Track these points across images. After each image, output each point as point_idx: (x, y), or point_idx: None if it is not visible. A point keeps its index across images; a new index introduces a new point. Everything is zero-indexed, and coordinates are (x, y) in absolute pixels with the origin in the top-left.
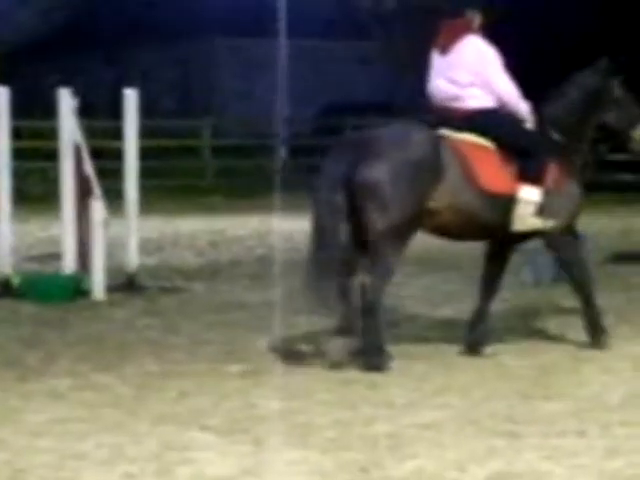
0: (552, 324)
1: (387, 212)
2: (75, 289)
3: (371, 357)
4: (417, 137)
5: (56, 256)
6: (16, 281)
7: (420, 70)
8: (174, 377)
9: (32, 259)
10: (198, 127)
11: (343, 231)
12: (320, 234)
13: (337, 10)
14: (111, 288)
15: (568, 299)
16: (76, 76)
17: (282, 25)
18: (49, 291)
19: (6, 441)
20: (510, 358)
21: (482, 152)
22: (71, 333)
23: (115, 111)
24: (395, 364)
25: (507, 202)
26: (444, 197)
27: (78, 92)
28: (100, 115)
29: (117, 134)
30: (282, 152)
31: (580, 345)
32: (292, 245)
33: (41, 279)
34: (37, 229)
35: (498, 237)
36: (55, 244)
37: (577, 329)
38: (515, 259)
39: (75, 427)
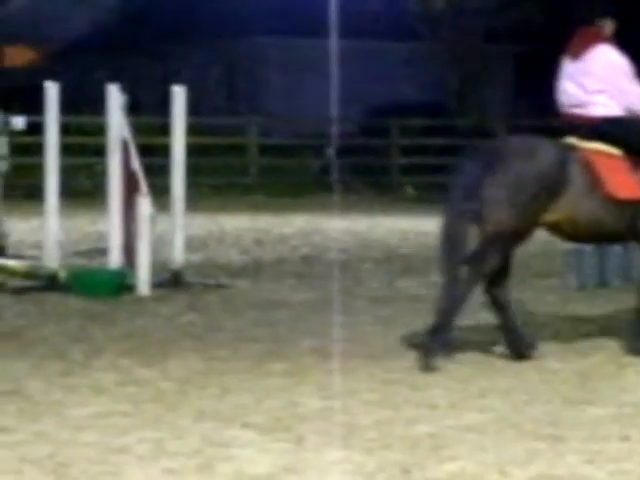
0: (596, 329)
1: (500, 225)
2: (120, 284)
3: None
4: (544, 151)
5: (102, 251)
6: (63, 275)
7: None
8: (216, 374)
9: (79, 254)
10: (244, 125)
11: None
12: (448, 242)
13: (385, 10)
14: (156, 284)
15: (612, 304)
16: (124, 73)
17: (330, 25)
18: (95, 286)
19: (49, 434)
20: (553, 362)
21: (610, 159)
22: (115, 328)
23: (162, 108)
24: (438, 365)
25: (636, 208)
26: (563, 209)
27: (126, 89)
28: (147, 112)
29: (164, 131)
30: (328, 152)
31: (623, 350)
32: (336, 245)
33: (87, 274)
34: (84, 224)
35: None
36: (102, 239)
37: (621, 334)
38: (559, 264)
39: (118, 421)
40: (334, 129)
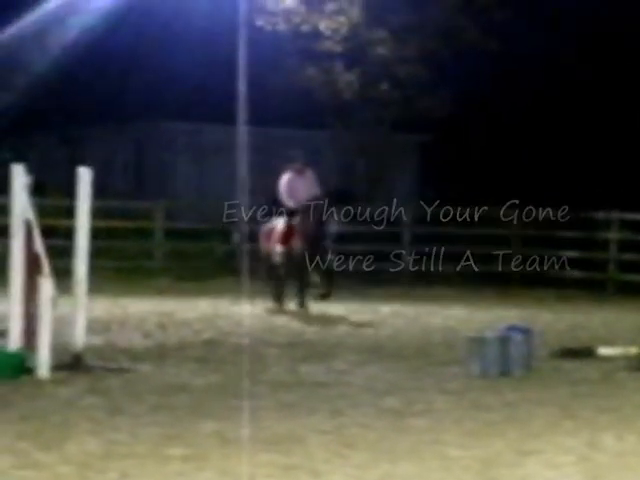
0: (497, 417)
1: None
2: (20, 366)
3: None
4: None
5: (2, 332)
6: None
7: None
8: (116, 458)
9: None
10: (151, 209)
11: None
12: None
13: (293, 99)
14: (57, 367)
15: (513, 392)
16: (31, 153)
17: (237, 112)
18: None
19: None
20: (454, 449)
21: None
22: (13, 410)
23: (68, 190)
24: (338, 451)
25: None
26: None
27: (32, 169)
28: (53, 194)
29: (70, 213)
30: (234, 237)
31: (525, 438)
32: (240, 329)
33: None
34: None
35: None
36: (1, 320)
37: (522, 422)
38: (462, 351)
39: None
40: (241, 214)
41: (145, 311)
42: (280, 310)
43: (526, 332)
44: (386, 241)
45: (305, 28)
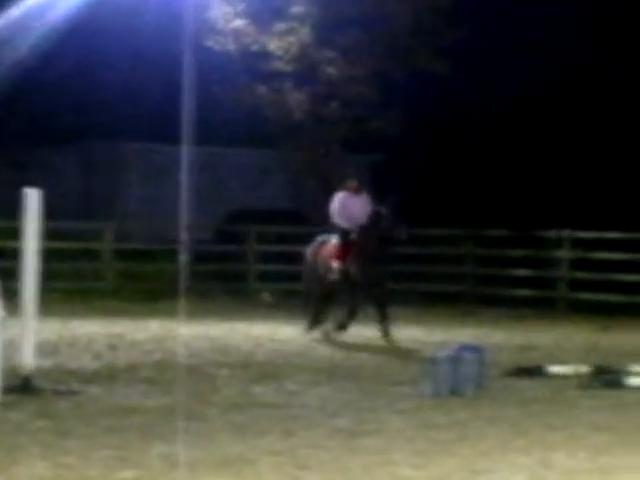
0: (449, 436)
1: None
2: None
3: None
4: None
5: None
6: None
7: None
8: None
9: None
10: (100, 229)
11: None
12: None
13: (243, 118)
14: (5, 390)
15: (465, 411)
16: None
17: (187, 132)
18: None
19: None
20: (406, 469)
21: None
22: None
23: (17, 211)
24: (290, 473)
25: None
26: None
27: None
28: (1, 214)
29: (18, 234)
30: (184, 258)
31: (477, 457)
32: (191, 351)
33: None
34: None
35: None
36: None
37: (474, 441)
38: (414, 370)
39: None
40: (189, 235)
41: (95, 332)
42: (313, 330)
43: (477, 351)
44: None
45: (255, 48)
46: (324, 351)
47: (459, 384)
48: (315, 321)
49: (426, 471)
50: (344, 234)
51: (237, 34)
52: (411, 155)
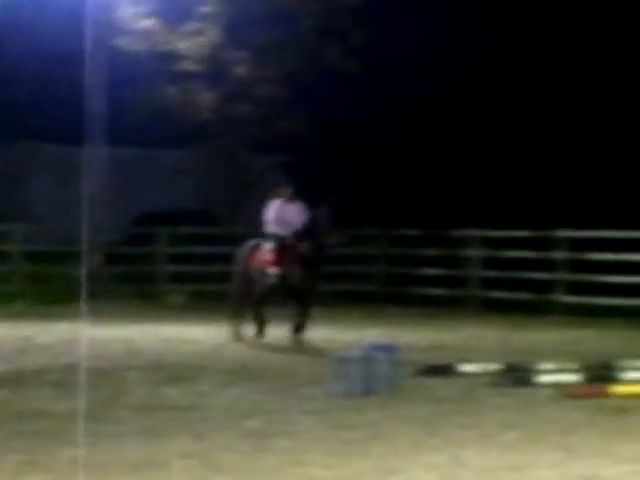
0: (361, 436)
1: None
2: None
3: None
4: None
5: None
6: None
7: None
8: None
9: None
10: (8, 231)
11: None
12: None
13: (152, 119)
14: None
15: (377, 411)
16: None
17: (97, 132)
18: None
19: None
20: (318, 469)
21: None
22: None
23: None
24: (201, 475)
25: None
26: None
27: None
28: None
29: None
30: (95, 260)
31: (389, 457)
32: (101, 353)
33: None
34: None
35: None
36: None
37: (386, 440)
38: (326, 370)
39: None
40: (100, 237)
41: (2, 335)
42: (260, 336)
43: (389, 350)
44: None
45: (164, 48)
46: (235, 352)
47: (371, 384)
48: (261, 325)
49: (338, 471)
50: (280, 239)
51: (146, 34)
52: (322, 155)
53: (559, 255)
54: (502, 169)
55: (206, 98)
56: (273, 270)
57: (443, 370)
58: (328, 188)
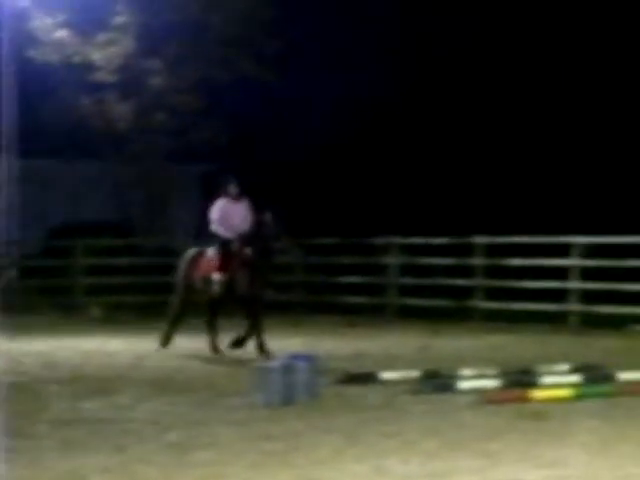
0: (283, 446)
1: None
2: None
3: None
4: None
5: None
6: None
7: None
8: None
9: None
10: None
11: None
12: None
13: (68, 129)
14: None
15: (299, 420)
16: None
17: (12, 144)
18: None
19: None
20: None
21: None
22: None
23: None
24: None
25: None
26: None
27: None
28: None
29: None
30: (8, 273)
31: (311, 467)
32: (18, 367)
33: None
34: None
35: None
36: None
37: (308, 450)
38: (246, 381)
39: None
40: (15, 250)
41: None
42: (214, 349)
43: (309, 360)
44: (165, 273)
45: (77, 59)
46: (155, 363)
47: (291, 393)
48: (212, 334)
49: None
50: (224, 244)
51: (59, 45)
52: (240, 165)
53: (477, 261)
54: (418, 177)
55: (121, 109)
56: (218, 276)
57: (364, 378)
58: (248, 196)
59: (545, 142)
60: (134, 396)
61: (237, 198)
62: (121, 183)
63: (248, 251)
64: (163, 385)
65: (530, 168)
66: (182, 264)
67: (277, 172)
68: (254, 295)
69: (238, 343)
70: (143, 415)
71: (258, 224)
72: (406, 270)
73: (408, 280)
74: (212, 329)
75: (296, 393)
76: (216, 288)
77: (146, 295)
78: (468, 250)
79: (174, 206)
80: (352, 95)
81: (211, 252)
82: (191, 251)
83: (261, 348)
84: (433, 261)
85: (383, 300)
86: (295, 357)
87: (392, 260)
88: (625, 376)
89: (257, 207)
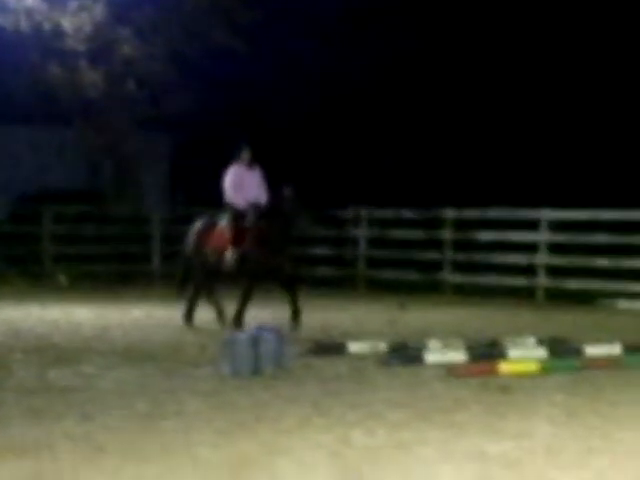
0: (249, 416)
1: None
2: None
3: None
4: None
5: None
6: None
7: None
8: None
9: None
10: None
11: None
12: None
13: (34, 96)
14: None
15: (265, 391)
16: None
17: None
18: None
19: None
20: (205, 449)
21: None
22: None
23: None
24: (87, 457)
25: None
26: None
27: None
28: None
29: None
30: None
31: (276, 436)
32: None
33: None
34: None
35: None
36: None
37: (273, 420)
38: (213, 351)
39: None
40: None
41: None
42: (222, 320)
43: (277, 331)
44: (135, 242)
45: (47, 26)
46: (121, 333)
47: (259, 364)
48: (220, 310)
49: (226, 452)
50: (237, 216)
51: (29, 12)
52: (214, 136)
53: (446, 235)
54: (388, 149)
55: (91, 76)
56: (231, 252)
57: (331, 349)
58: (219, 167)
59: (515, 116)
60: (100, 365)
61: (250, 165)
62: (91, 151)
63: (263, 225)
64: (130, 354)
65: (500, 141)
66: (191, 235)
67: (249, 142)
68: (285, 271)
69: (295, 316)
70: (109, 384)
71: (278, 198)
72: (375, 242)
73: (377, 252)
74: (214, 301)
75: (263, 364)
76: (229, 263)
77: (114, 264)
78: (438, 223)
79: (144, 174)
80: (326, 67)
81: (223, 223)
82: (200, 222)
83: (296, 319)
84: (402, 234)
85: (352, 272)
86: (262, 328)
87: (361, 232)
88: (592, 350)
89: (270, 179)
